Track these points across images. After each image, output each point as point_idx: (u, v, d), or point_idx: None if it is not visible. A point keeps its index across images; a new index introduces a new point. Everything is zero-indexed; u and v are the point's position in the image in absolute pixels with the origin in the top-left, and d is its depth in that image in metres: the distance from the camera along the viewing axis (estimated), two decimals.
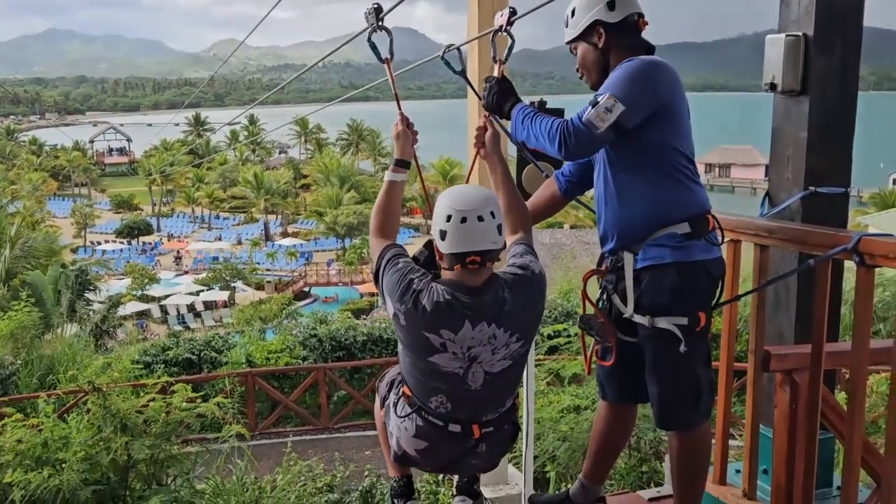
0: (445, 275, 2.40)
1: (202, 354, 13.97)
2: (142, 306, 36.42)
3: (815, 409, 2.78)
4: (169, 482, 6.75)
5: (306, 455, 8.88)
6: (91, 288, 24.65)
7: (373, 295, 35.47)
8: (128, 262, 46.68)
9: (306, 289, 43.53)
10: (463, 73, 3.12)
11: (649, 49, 2.72)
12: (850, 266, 2.70)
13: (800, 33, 3.10)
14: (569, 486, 3.55)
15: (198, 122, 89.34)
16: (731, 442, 3.34)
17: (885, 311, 9.53)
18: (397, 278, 2.38)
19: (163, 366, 13.36)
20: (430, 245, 2.63)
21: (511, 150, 3.53)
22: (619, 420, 3.11)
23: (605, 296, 2.86)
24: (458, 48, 3.09)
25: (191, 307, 38.07)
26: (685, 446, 2.84)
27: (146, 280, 40.41)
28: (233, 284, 41.27)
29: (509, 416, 2.60)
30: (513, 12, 2.85)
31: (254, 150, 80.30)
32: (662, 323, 2.65)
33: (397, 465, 2.80)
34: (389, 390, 2.69)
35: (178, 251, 53.12)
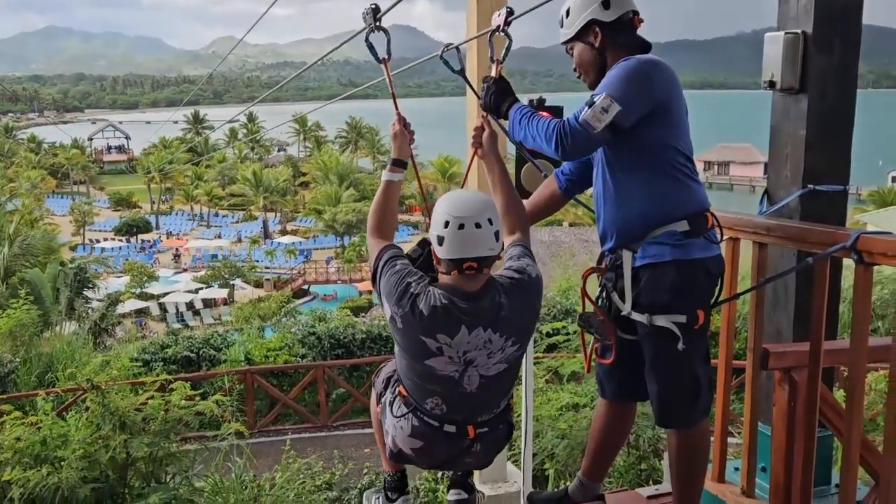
0: (443, 279, 2.41)
1: (201, 352, 13.96)
2: (141, 304, 36.42)
3: (814, 406, 2.78)
4: (168, 480, 6.76)
5: (305, 453, 8.89)
6: (90, 286, 24.62)
7: (371, 293, 35.47)
8: (126, 259, 46.68)
9: (305, 287, 43.53)
10: (462, 73, 3.11)
11: (645, 47, 2.72)
12: (848, 264, 2.70)
13: (799, 31, 3.09)
14: (567, 483, 3.55)
15: (196, 120, 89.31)
16: (729, 440, 3.35)
17: (883, 308, 9.54)
18: (395, 281, 2.39)
19: (161, 364, 13.34)
20: (423, 244, 2.64)
21: (510, 149, 3.54)
22: (619, 418, 3.11)
23: (604, 294, 2.87)
24: (456, 47, 3.08)
25: (190, 305, 38.09)
26: (684, 444, 2.84)
27: (145, 278, 40.42)
28: (232, 282, 41.27)
29: (504, 416, 2.61)
30: (510, 12, 2.84)
31: (252, 148, 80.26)
32: (661, 321, 2.66)
33: (392, 462, 2.81)
34: (386, 388, 2.69)
35: (176, 249, 53.12)
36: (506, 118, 2.82)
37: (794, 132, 3.16)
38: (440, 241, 2.34)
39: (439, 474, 7.07)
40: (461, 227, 2.30)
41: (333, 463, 8.92)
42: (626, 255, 2.72)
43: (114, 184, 76.57)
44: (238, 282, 41.68)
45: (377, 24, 2.90)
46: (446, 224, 2.32)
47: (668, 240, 2.65)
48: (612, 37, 2.70)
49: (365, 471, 8.70)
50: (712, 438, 3.21)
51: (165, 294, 38.77)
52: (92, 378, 6.81)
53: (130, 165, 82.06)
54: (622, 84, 2.55)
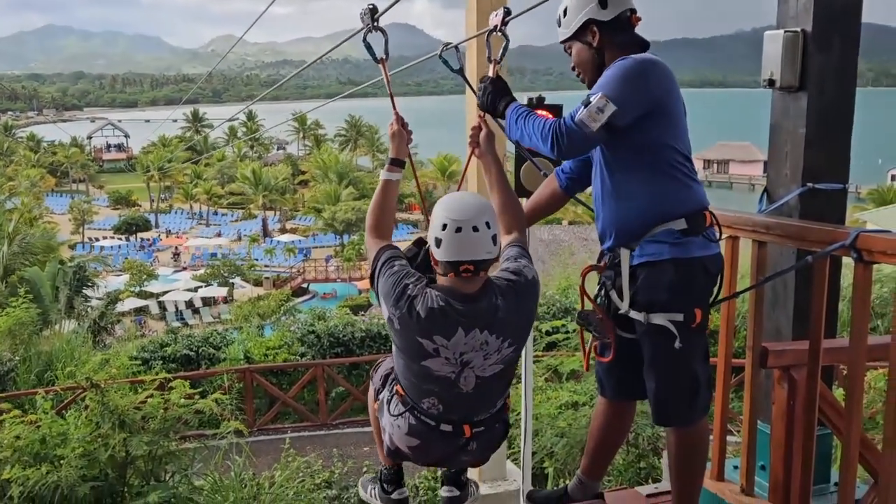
0: (440, 280, 2.42)
1: (200, 351, 13.95)
2: (140, 303, 36.40)
3: (813, 405, 2.78)
4: (167, 478, 6.76)
5: (304, 451, 8.88)
6: (89, 284, 24.62)
7: (371, 291, 35.41)
8: (126, 258, 46.64)
9: (304, 285, 43.53)
10: (461, 72, 3.12)
11: (644, 45, 2.72)
12: (847, 262, 2.70)
13: (798, 29, 3.09)
14: (567, 482, 3.55)
15: (196, 119, 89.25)
16: (728, 438, 3.34)
17: (882, 307, 9.54)
18: (392, 283, 2.40)
19: (161, 362, 13.32)
20: (419, 243, 2.66)
21: (510, 147, 3.54)
22: (618, 416, 3.12)
23: (603, 292, 2.87)
24: (455, 46, 3.08)
25: (189, 303, 38.07)
26: (683, 442, 2.84)
27: (144, 276, 40.38)
28: (231, 281, 41.27)
29: (500, 415, 2.63)
30: (507, 13, 2.85)
31: (252, 147, 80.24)
32: (658, 319, 2.66)
33: (389, 458, 2.83)
34: (384, 385, 2.71)
35: (176, 247, 53.12)
36: (503, 118, 2.82)
37: (793, 130, 3.16)
38: (438, 243, 2.35)
39: (438, 472, 7.08)
40: (458, 230, 2.32)
41: (333, 461, 8.91)
42: (624, 254, 2.72)
43: (113, 182, 76.56)
44: (237, 280, 41.67)
45: (375, 24, 2.90)
46: (444, 227, 2.34)
47: (666, 238, 2.66)
48: (610, 36, 2.70)
49: (364, 469, 8.69)
50: (711, 437, 3.21)
51: (165, 292, 38.73)
52: (91, 376, 6.80)
53: (130, 164, 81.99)
54: (618, 84, 2.55)
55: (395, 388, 2.60)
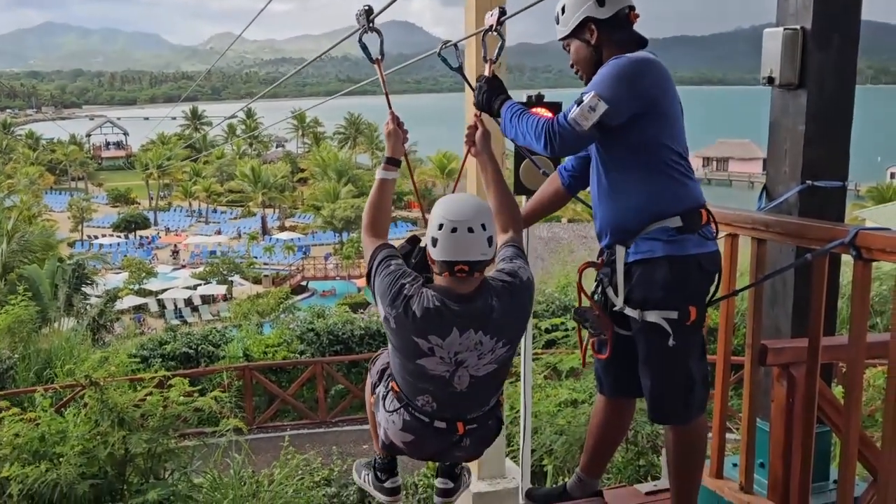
0: (436, 280, 2.45)
1: (199, 348, 13.97)
2: (139, 300, 36.42)
3: (812, 402, 2.78)
4: (166, 476, 6.76)
5: (304, 449, 8.89)
6: (88, 282, 24.66)
7: None
8: (125, 256, 46.64)
9: (304, 283, 43.52)
10: (460, 70, 3.12)
11: (642, 43, 2.71)
12: (847, 260, 2.70)
13: (798, 27, 3.09)
14: (566, 479, 3.56)
15: (195, 116, 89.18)
16: (728, 436, 3.34)
17: (881, 304, 9.52)
18: (389, 282, 2.43)
19: (160, 360, 13.34)
20: (412, 240, 2.70)
21: (509, 145, 3.54)
22: (617, 414, 3.12)
23: (600, 289, 2.88)
24: (454, 44, 3.08)
25: (188, 301, 38.06)
26: (680, 440, 2.85)
27: (143, 274, 40.38)
28: (230, 278, 41.26)
29: (493, 412, 2.66)
30: (502, 12, 2.85)
31: (251, 144, 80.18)
32: (652, 316, 2.67)
33: (384, 451, 2.87)
34: (380, 379, 2.75)
35: (175, 245, 53.10)
36: (498, 116, 2.83)
37: (792, 128, 3.16)
38: (434, 242, 2.38)
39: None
40: (454, 230, 2.35)
41: (332, 459, 8.92)
42: (620, 251, 2.73)
43: (112, 180, 76.44)
44: (236, 278, 41.66)
45: (370, 24, 2.93)
46: (440, 226, 2.37)
47: (661, 236, 2.66)
48: (608, 33, 2.70)
49: None
50: (711, 435, 3.21)
51: (164, 290, 38.71)
52: (90, 374, 6.81)
53: (129, 161, 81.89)
54: (611, 83, 2.55)
55: (390, 384, 2.63)
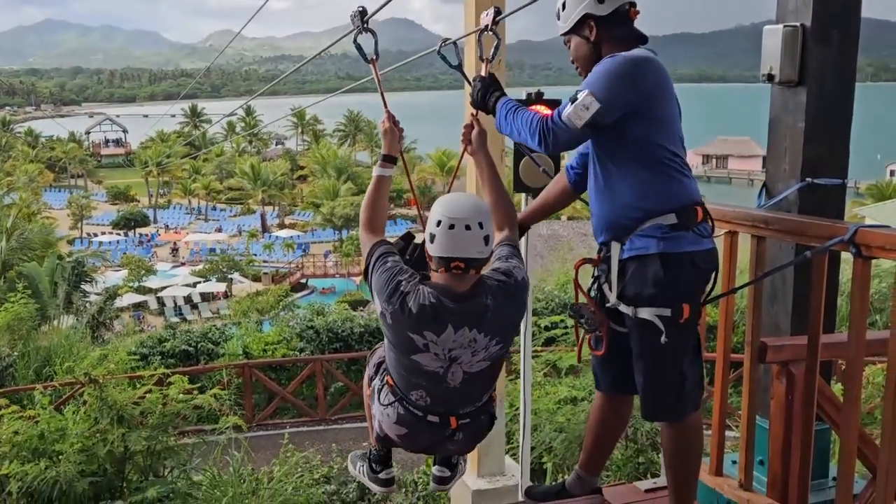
0: (433, 277, 2.49)
1: (199, 346, 13.96)
2: (138, 298, 36.45)
3: (812, 400, 2.78)
4: (166, 474, 6.77)
5: (303, 446, 8.88)
6: (87, 279, 24.65)
7: None
8: (124, 253, 46.60)
9: (303, 280, 43.53)
10: (459, 68, 3.13)
11: (642, 39, 2.71)
12: (846, 257, 2.70)
13: (797, 24, 3.09)
14: (565, 477, 3.56)
15: (194, 114, 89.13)
16: (727, 433, 3.34)
17: (881, 302, 9.52)
18: (386, 279, 2.47)
19: (159, 357, 13.34)
20: (407, 237, 2.75)
21: (509, 143, 3.54)
22: (615, 411, 3.12)
23: (596, 285, 2.88)
24: (454, 42, 3.09)
25: (188, 299, 38.08)
26: (676, 437, 2.85)
27: (143, 272, 40.39)
28: (230, 276, 41.27)
29: (486, 408, 2.70)
30: (498, 12, 2.87)
31: (250, 142, 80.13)
32: (645, 313, 2.66)
33: (378, 443, 2.91)
34: (376, 373, 2.78)
35: (174, 243, 53.10)
36: (493, 113, 2.84)
37: (792, 125, 3.15)
38: (432, 238, 2.43)
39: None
40: (451, 227, 2.39)
41: (332, 456, 8.93)
42: (615, 247, 2.74)
43: (111, 177, 76.40)
44: (236, 276, 41.69)
45: (365, 25, 2.96)
46: (438, 223, 2.41)
47: (655, 233, 2.65)
48: (608, 30, 2.69)
49: None
50: (710, 432, 3.21)
51: (163, 288, 38.74)
52: (90, 372, 6.82)
53: (128, 159, 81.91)
54: (604, 81, 2.55)
55: (385, 378, 2.67)
